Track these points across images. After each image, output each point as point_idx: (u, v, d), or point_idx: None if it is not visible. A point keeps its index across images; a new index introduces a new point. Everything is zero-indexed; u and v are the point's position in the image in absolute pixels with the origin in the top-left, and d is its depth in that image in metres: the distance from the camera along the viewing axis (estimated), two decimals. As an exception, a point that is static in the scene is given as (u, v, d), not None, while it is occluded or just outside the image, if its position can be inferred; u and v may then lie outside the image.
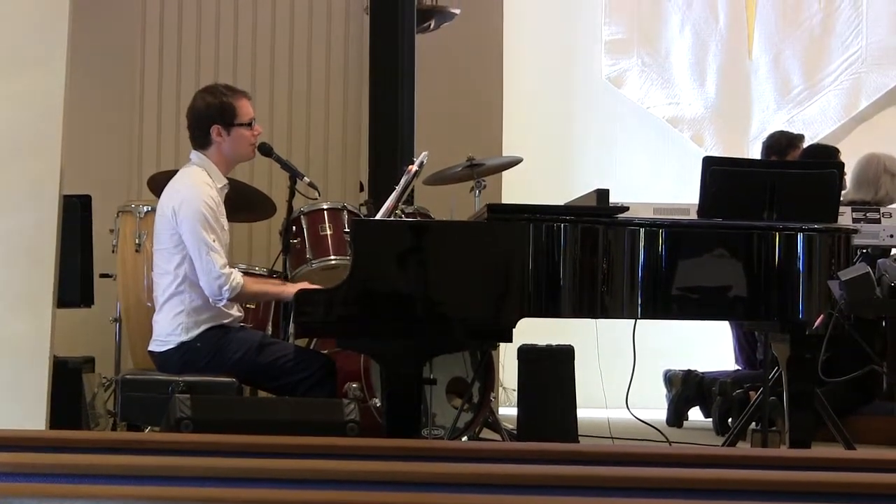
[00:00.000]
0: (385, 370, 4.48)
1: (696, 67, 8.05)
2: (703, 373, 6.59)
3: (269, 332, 5.11)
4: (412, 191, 5.41)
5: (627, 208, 4.50)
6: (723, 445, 5.12)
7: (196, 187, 4.61)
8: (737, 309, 4.57)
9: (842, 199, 5.52)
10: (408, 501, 2.79)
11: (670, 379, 6.66)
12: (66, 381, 5.12)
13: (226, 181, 4.74)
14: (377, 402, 5.09)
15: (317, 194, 5.12)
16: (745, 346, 6.63)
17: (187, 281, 4.59)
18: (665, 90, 8.04)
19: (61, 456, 3.03)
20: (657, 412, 6.26)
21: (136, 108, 7.00)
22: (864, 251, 5.86)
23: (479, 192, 5.85)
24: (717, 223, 4.58)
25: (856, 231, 4.94)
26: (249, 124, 4.73)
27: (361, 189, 6.76)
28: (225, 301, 4.58)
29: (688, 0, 8.04)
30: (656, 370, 6.66)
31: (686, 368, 6.64)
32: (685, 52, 8.05)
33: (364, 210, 5.67)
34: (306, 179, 5.02)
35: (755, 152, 7.54)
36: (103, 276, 5.65)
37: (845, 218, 5.81)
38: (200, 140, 4.72)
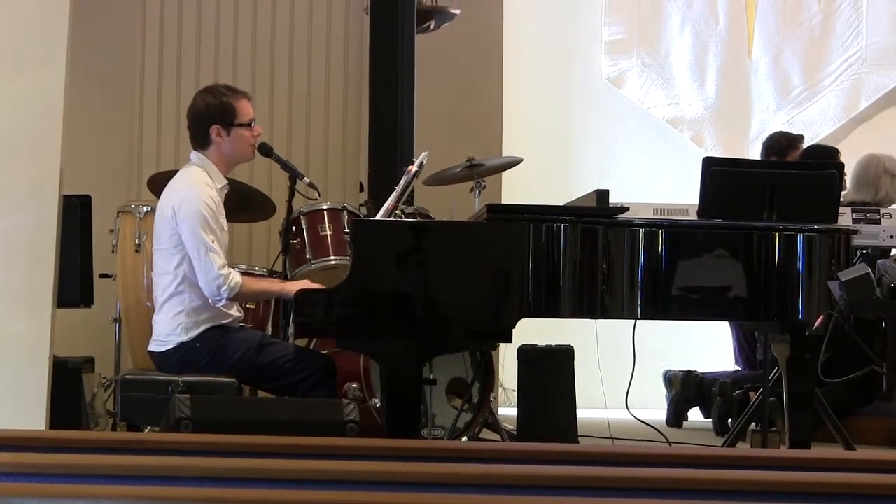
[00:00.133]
0: (385, 370, 4.48)
1: (696, 68, 8.05)
2: (702, 373, 6.59)
3: (269, 332, 5.11)
4: (412, 191, 5.41)
5: (627, 209, 4.50)
6: (722, 446, 5.12)
7: (196, 187, 4.61)
8: (737, 309, 4.57)
9: (842, 199, 5.52)
10: (408, 502, 2.79)
11: (670, 379, 6.66)
12: (66, 381, 5.12)
13: (226, 181, 4.74)
14: (377, 402, 5.09)
15: (317, 194, 5.12)
16: (745, 347, 6.63)
17: (187, 281, 4.59)
18: (665, 90, 8.04)
19: (61, 456, 3.04)
20: (657, 413, 6.26)
21: (136, 108, 7.00)
22: (864, 252, 5.86)
23: (479, 192, 5.85)
24: (717, 223, 4.58)
25: (856, 232, 4.94)
26: (249, 125, 4.73)
27: (361, 189, 6.76)
28: (224, 301, 4.58)
29: (688, 0, 8.04)
30: (656, 371, 6.66)
31: (686, 369, 6.64)
32: (685, 53, 8.05)
33: (364, 210, 5.67)
34: (306, 180, 5.02)
35: (755, 153, 7.55)
36: (103, 276, 5.65)
37: (845, 218, 5.81)
38: (200, 140, 4.73)
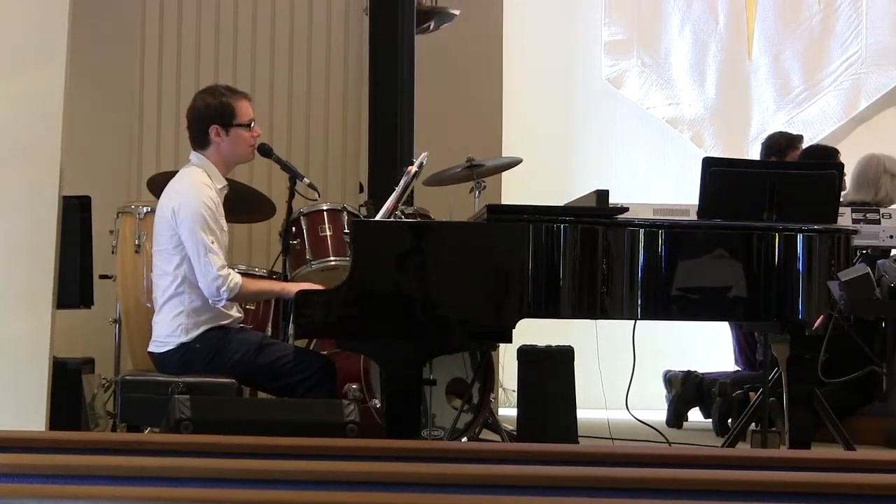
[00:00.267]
0: (385, 371, 4.48)
1: (695, 68, 8.05)
2: (702, 373, 6.59)
3: (269, 333, 5.11)
4: (412, 191, 5.41)
5: (627, 209, 4.50)
6: (722, 446, 5.12)
7: (195, 188, 4.61)
8: (736, 309, 4.57)
9: (842, 199, 5.52)
10: (408, 502, 2.79)
11: (670, 380, 6.66)
12: (66, 381, 5.12)
13: (225, 182, 4.74)
14: (377, 402, 5.09)
15: (316, 195, 5.12)
16: (745, 347, 6.63)
17: (187, 282, 4.58)
18: (665, 91, 8.04)
19: (61, 457, 3.04)
20: (657, 413, 6.25)
21: (136, 108, 6.99)
22: (864, 252, 5.86)
23: (479, 192, 5.85)
24: (717, 224, 4.58)
25: (855, 232, 4.94)
26: (249, 125, 4.73)
27: (361, 190, 6.76)
28: (224, 302, 4.58)
29: (688, 1, 8.04)
30: (656, 371, 6.66)
31: (686, 369, 6.64)
32: (685, 53, 8.05)
33: (364, 211, 5.67)
34: (306, 180, 5.02)
35: (755, 153, 7.54)
36: (103, 277, 5.65)
37: (845, 219, 5.81)
38: (199, 140, 4.72)
